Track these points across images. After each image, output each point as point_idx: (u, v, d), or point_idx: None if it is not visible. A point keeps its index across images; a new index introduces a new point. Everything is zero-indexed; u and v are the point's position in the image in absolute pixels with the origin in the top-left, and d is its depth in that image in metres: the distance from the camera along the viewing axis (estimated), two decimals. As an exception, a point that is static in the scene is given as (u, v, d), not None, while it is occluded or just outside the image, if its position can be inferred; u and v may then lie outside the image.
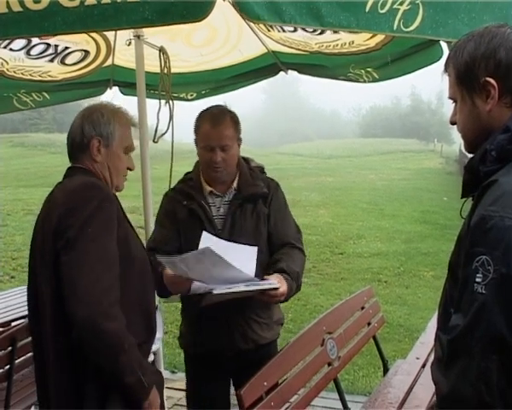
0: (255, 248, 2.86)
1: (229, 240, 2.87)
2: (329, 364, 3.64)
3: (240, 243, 2.88)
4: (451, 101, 1.79)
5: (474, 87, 1.66)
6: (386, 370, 4.31)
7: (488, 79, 1.63)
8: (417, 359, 4.10)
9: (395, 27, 2.38)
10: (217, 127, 2.91)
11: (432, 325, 4.58)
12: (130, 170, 2.61)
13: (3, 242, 13.16)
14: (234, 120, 2.99)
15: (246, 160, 3.17)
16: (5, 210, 16.57)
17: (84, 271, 2.14)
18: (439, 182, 26.27)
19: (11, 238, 13.29)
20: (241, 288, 2.62)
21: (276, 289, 2.72)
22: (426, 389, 3.54)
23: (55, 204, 2.33)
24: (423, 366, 3.97)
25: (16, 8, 2.04)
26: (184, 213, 3.00)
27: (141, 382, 2.23)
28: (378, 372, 5.99)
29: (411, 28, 2.40)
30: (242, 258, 2.74)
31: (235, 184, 3.05)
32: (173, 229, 3.02)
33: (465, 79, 1.69)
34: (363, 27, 2.43)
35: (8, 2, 2.04)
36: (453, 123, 1.80)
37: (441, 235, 14.63)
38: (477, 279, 1.46)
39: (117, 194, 2.50)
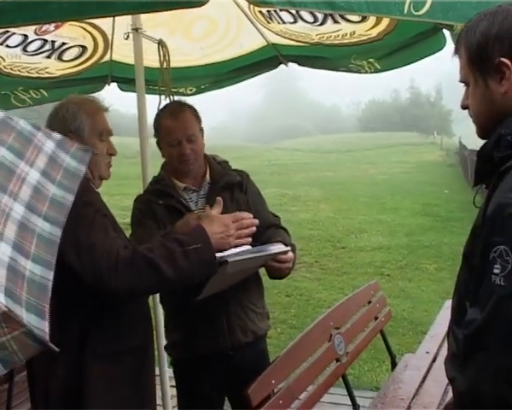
0: None
1: None
2: (337, 360, 3.58)
3: None
4: (462, 84, 1.71)
5: (488, 68, 1.58)
6: (394, 364, 4.25)
7: (503, 59, 1.54)
8: (427, 353, 4.03)
9: (405, 11, 2.29)
10: (179, 119, 2.88)
11: (440, 318, 4.53)
12: (112, 155, 2.58)
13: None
14: (193, 110, 2.96)
15: (210, 155, 3.12)
16: None
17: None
18: (440, 175, 26.25)
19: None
20: (254, 254, 2.57)
21: (285, 252, 2.72)
22: (437, 385, 3.48)
23: None
24: (434, 360, 3.92)
25: (10, -4, 1.98)
26: (163, 211, 2.86)
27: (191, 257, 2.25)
28: (383, 366, 5.96)
29: (422, 12, 2.31)
30: None
31: (207, 177, 3.00)
32: (155, 227, 2.83)
33: (478, 60, 1.60)
34: (373, 11, 2.36)
35: (1, -9, 1.97)
36: (464, 107, 1.71)
37: (443, 227, 14.60)
38: (495, 271, 1.38)
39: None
